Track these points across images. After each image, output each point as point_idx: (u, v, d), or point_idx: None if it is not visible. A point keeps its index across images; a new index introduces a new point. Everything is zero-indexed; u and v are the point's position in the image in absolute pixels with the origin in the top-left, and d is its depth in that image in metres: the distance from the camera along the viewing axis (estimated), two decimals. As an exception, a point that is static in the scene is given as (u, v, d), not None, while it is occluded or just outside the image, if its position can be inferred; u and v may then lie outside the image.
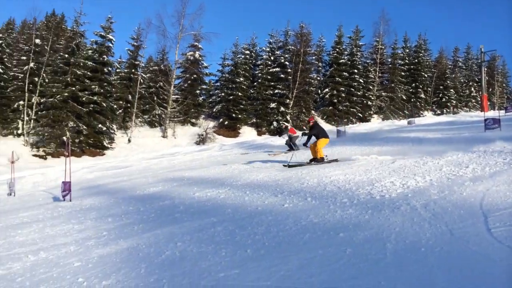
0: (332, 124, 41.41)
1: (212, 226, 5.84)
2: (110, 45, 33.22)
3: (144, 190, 11.37)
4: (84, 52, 31.99)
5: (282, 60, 41.00)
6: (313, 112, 42.84)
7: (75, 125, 29.28)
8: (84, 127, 29.39)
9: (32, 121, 30.59)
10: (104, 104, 30.63)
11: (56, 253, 5.84)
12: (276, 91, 40.15)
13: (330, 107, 44.04)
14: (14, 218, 9.67)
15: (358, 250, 4.14)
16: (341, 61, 45.69)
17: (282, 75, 40.44)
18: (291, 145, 18.47)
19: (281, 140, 26.27)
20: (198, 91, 39.00)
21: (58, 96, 28.81)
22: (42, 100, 30.48)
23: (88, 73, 30.72)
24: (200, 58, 39.55)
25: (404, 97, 49.63)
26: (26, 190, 18.22)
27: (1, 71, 30.62)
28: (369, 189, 6.82)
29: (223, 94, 39.10)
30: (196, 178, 12.16)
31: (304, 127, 39.57)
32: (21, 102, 30.77)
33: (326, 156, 12.29)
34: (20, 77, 31.90)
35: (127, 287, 4.15)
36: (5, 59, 32.14)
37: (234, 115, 37.29)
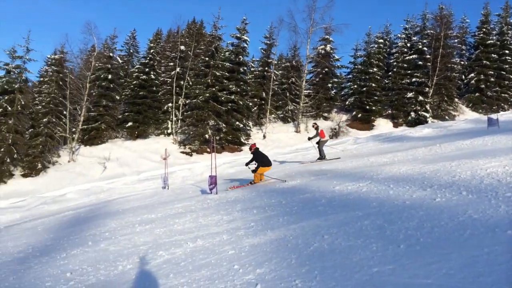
0: (480, 112, 37.50)
1: (358, 219, 5.72)
2: (245, 45, 34.84)
3: (282, 184, 11.65)
4: (222, 54, 34.06)
5: (420, 46, 38.36)
6: (456, 100, 39.27)
7: (215, 123, 31.40)
8: (223, 125, 31.34)
9: (179, 121, 33.67)
10: (241, 102, 32.26)
11: (211, 241, 6.31)
12: (414, 79, 37.75)
13: (477, 94, 39.86)
14: (170, 209, 10.72)
15: (534, 251, 3.65)
16: (489, 42, 41.02)
17: (420, 62, 37.87)
18: (321, 150, 17.51)
19: (419, 132, 24.68)
20: (329, 85, 38.70)
21: (201, 97, 31.20)
22: (187, 102, 33.34)
23: (226, 73, 32.68)
24: (331, 51, 39.19)
25: None
26: (177, 184, 20.15)
27: (153, 77, 34.29)
28: (537, 182, 5.99)
29: (355, 86, 38.13)
30: (333, 172, 12.05)
31: (447, 117, 36.60)
32: (170, 104, 34.08)
33: (286, 180, 12.11)
34: (168, 81, 35.37)
35: (280, 276, 4.27)
36: (156, 66, 35.84)
37: (367, 107, 36.11)
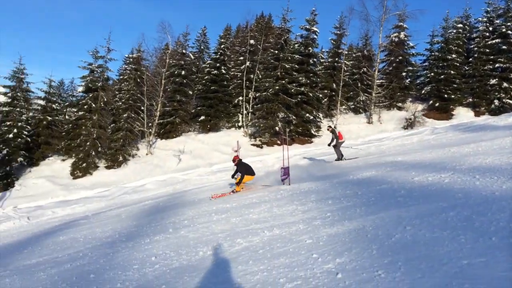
0: None
1: (442, 211, 5.44)
2: (315, 36, 34.41)
3: (357, 175, 11.39)
4: (291, 47, 33.93)
5: (504, 30, 35.52)
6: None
7: (285, 115, 31.41)
8: (293, 117, 31.26)
9: (249, 114, 34.11)
10: (311, 94, 31.97)
11: (287, 230, 6.33)
12: (497, 65, 35.09)
13: None
14: (244, 199, 10.92)
15: None
16: None
17: (504, 47, 35.09)
18: (339, 152, 17.64)
19: (504, 121, 22.96)
20: (404, 74, 37.07)
21: (270, 89, 31.35)
22: (257, 95, 33.67)
23: (296, 66, 32.53)
24: (405, 39, 37.51)
25: None
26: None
27: (224, 72, 35.01)
28: None
29: (432, 74, 36.18)
30: (410, 163, 11.58)
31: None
32: (240, 98, 34.63)
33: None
34: (238, 75, 35.94)
35: (361, 266, 4.19)
36: (226, 61, 36.53)
37: (445, 95, 34.15)
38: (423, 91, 36.61)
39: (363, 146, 24.23)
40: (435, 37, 39.36)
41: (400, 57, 37.13)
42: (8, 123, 29.62)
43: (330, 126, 18.81)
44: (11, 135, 28.49)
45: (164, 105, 33.58)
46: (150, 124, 32.50)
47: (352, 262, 4.34)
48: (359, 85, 37.09)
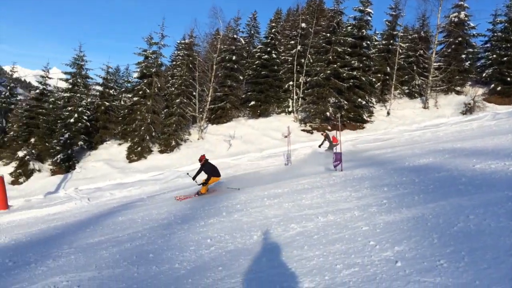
0: None
1: (508, 199, 5.17)
2: (369, 18, 33.26)
3: (413, 162, 11.06)
4: (344, 30, 33.07)
5: None
6: None
7: (336, 100, 30.82)
8: (345, 102, 30.60)
9: (300, 99, 33.79)
10: (363, 78, 31.11)
11: (342, 216, 6.26)
12: None
13: None
14: (296, 185, 10.89)
15: None
16: None
17: None
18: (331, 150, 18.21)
19: None
20: (463, 56, 35.15)
21: (321, 74, 30.82)
22: (307, 79, 33.24)
23: (348, 49, 31.70)
24: (465, 19, 35.45)
25: None
26: (299, 160, 20.39)
27: (274, 56, 34.78)
28: None
29: (494, 56, 34.03)
30: (471, 149, 11.08)
31: None
32: (291, 83, 34.31)
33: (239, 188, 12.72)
34: (289, 60, 35.59)
35: (421, 254, 4.07)
36: (277, 46, 36.24)
37: (508, 78, 32.08)
38: (484, 74, 34.58)
39: (419, 132, 23.45)
40: (498, 16, 36.94)
41: (460, 39, 35.18)
42: (69, 108, 31.13)
43: (324, 131, 20.21)
44: (72, 120, 29.91)
45: (215, 90, 33.94)
46: (201, 109, 33.01)
47: (412, 251, 4.23)
48: (414, 68, 35.62)
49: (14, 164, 29.26)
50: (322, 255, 4.62)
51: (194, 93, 32.69)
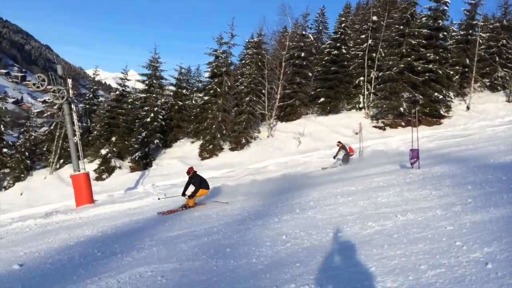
0: None
1: None
2: (445, 8, 31.47)
3: (498, 159, 10.37)
4: (418, 21, 31.63)
5: None
6: None
7: (410, 95, 29.58)
8: (420, 96, 29.27)
9: (371, 94, 32.84)
10: (440, 71, 29.54)
11: (423, 215, 6.00)
12: None
13: None
14: (370, 182, 10.62)
15: None
16: None
17: None
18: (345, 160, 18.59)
19: None
20: (553, 44, 32.32)
21: (394, 68, 29.72)
22: (379, 74, 32.21)
23: (423, 41, 30.25)
24: (555, 3, 32.57)
25: None
26: (372, 158, 19.86)
27: (344, 51, 34.09)
28: None
29: None
30: None
31: None
32: (361, 78, 33.45)
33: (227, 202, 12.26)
34: (359, 55, 34.69)
35: (516, 257, 3.79)
36: (346, 40, 35.48)
37: None
38: None
39: (503, 128, 21.92)
40: None
41: (549, 25, 32.35)
42: (146, 108, 32.77)
43: (339, 142, 19.74)
44: (148, 119, 31.44)
45: (284, 87, 33.93)
46: (270, 107, 33.19)
47: (503, 252, 3.96)
48: (497, 59, 33.24)
49: (97, 161, 31.39)
50: (404, 254, 4.46)
51: (263, 91, 32.96)
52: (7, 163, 34.64)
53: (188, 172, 13.16)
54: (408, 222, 5.77)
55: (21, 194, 30.99)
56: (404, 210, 6.52)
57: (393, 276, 3.95)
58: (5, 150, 35.74)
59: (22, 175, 33.23)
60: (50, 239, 11.37)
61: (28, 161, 34.11)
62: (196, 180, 12.88)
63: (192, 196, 12.69)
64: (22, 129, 38.77)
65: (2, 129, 36.27)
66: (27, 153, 34.29)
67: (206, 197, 13.57)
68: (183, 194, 12.88)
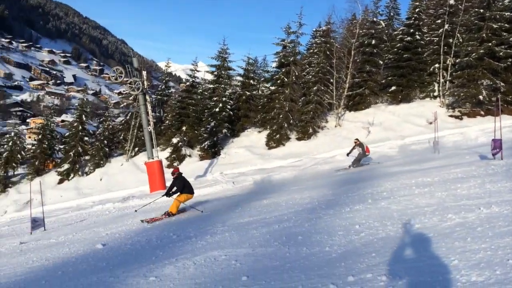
0: None
1: None
2: (532, -13, 29.02)
3: None
4: (500, 4, 29.37)
5: None
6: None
7: (491, 82, 27.64)
8: (502, 84, 27.27)
9: (447, 82, 31.12)
10: (525, 57, 27.32)
11: (509, 208, 5.61)
12: None
13: None
14: (447, 173, 10.11)
15: None
16: None
17: None
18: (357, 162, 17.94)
19: None
20: None
21: (473, 54, 27.89)
22: (456, 61, 30.40)
23: (506, 25, 28.06)
24: None
25: None
26: (448, 149, 18.93)
27: (418, 38, 32.51)
28: None
29: None
30: None
31: None
32: (436, 65, 31.77)
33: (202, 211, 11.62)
34: (435, 41, 32.91)
35: None
36: (421, 26, 33.82)
37: None
38: None
39: None
40: None
41: None
42: (214, 98, 33.56)
43: (357, 139, 19.03)
44: (217, 109, 32.18)
45: (353, 76, 33.15)
46: (338, 96, 32.59)
47: None
48: None
49: (169, 150, 32.73)
50: (489, 248, 4.20)
51: (331, 80, 32.42)
52: (88, 151, 37.25)
53: (172, 173, 12.30)
54: (492, 215, 5.42)
55: (101, 179, 33.16)
56: (487, 202, 6.14)
57: (479, 270, 3.73)
58: (86, 138, 38.38)
59: (101, 162, 35.54)
60: (128, 221, 12.08)
61: (107, 149, 36.48)
62: (179, 183, 11.89)
63: (169, 195, 11.77)
64: (101, 119, 41.43)
65: (84, 119, 38.89)
66: (105, 142, 36.62)
67: (190, 201, 12.39)
68: (167, 195, 11.85)
